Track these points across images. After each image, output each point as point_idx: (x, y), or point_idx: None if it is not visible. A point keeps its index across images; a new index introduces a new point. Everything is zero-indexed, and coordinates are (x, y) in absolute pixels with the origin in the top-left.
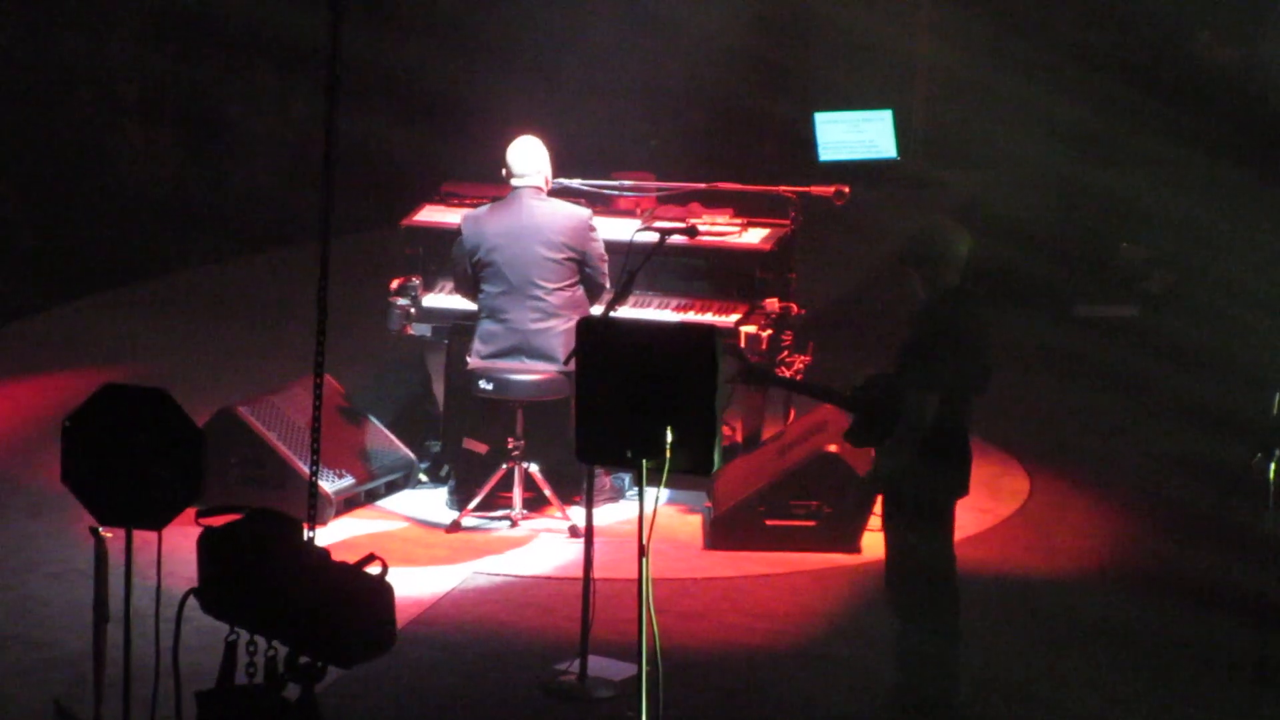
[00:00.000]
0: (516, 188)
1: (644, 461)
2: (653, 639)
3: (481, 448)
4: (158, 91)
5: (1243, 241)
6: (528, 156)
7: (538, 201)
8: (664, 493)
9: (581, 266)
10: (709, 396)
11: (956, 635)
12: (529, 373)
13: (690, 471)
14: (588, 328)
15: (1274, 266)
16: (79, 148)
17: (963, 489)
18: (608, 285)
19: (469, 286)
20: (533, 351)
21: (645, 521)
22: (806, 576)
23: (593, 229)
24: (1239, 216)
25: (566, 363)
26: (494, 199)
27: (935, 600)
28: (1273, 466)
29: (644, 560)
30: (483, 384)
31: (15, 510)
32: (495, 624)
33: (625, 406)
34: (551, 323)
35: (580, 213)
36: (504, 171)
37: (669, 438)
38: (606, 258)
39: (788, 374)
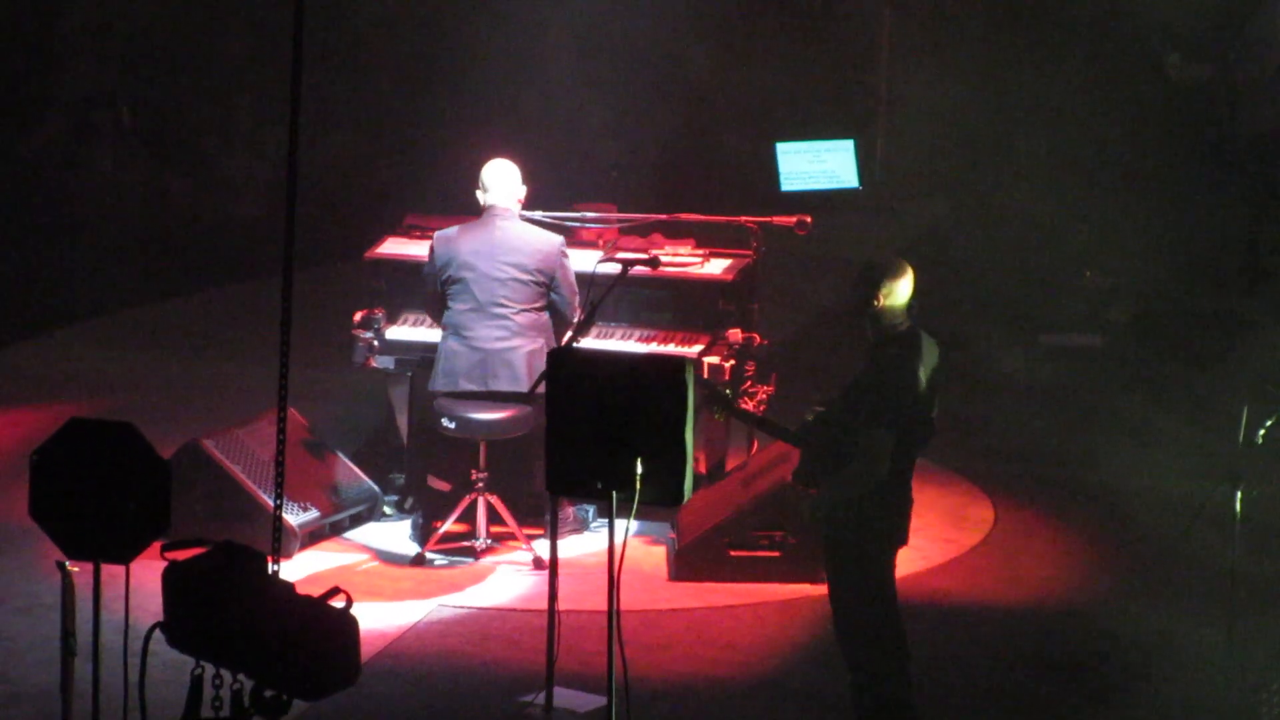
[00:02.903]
0: (489, 206)
1: (614, 493)
2: (620, 670)
3: (445, 486)
4: (130, 123)
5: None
6: (502, 178)
7: (510, 223)
8: (632, 524)
9: (549, 291)
10: (680, 428)
11: (906, 675)
12: (491, 411)
13: (660, 503)
14: (558, 359)
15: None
16: (46, 178)
17: (901, 539)
18: (576, 315)
19: (438, 307)
20: (494, 369)
21: (615, 553)
22: (771, 607)
23: (565, 255)
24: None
25: (534, 389)
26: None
27: (878, 643)
28: (1238, 497)
29: (613, 592)
30: (445, 422)
31: None
32: (460, 656)
33: (595, 438)
34: (515, 342)
35: (553, 238)
36: (478, 192)
37: (639, 469)
38: (577, 290)
39: (750, 405)
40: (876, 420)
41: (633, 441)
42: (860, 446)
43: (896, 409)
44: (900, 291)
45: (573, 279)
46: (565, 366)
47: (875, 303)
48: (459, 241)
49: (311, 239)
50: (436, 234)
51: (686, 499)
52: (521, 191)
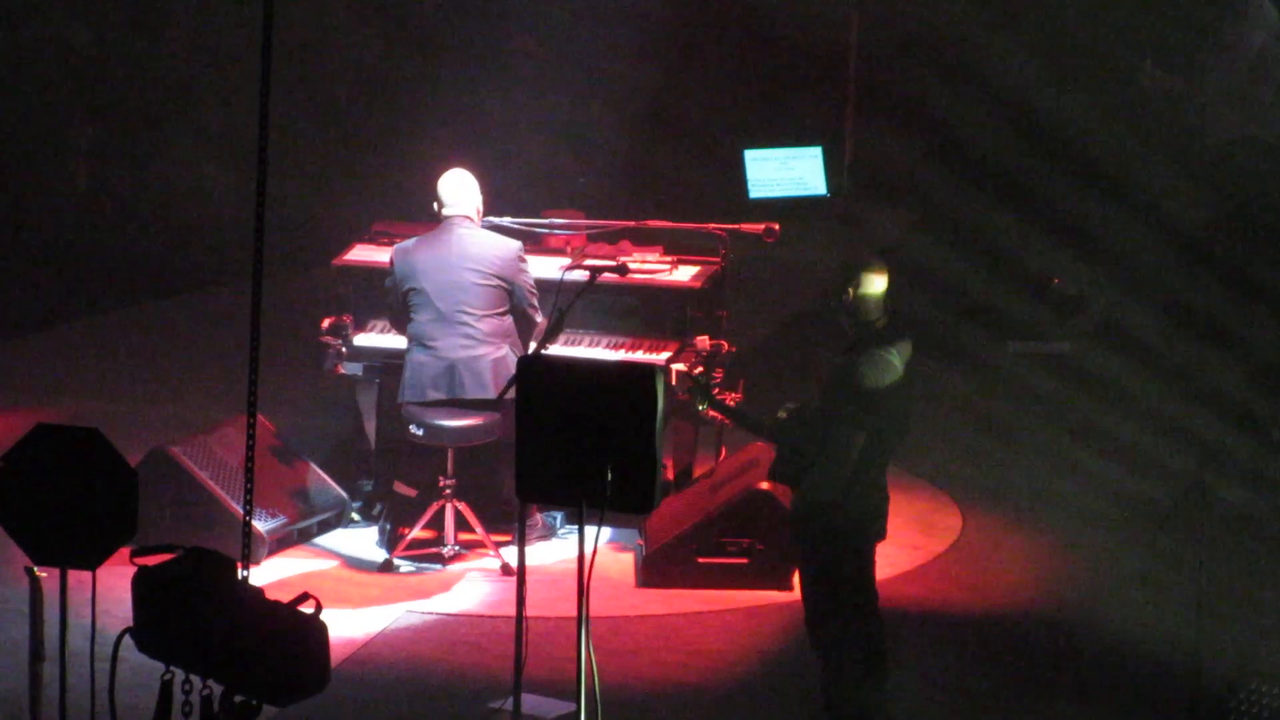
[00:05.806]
0: (447, 217)
1: (584, 501)
2: (588, 676)
3: (410, 492)
4: (97, 131)
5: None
6: (458, 188)
7: (467, 231)
8: (603, 532)
9: (510, 296)
10: (649, 435)
11: (882, 674)
12: (459, 418)
13: (630, 511)
14: (528, 366)
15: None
16: (8, 185)
17: (879, 533)
18: (538, 318)
19: (401, 318)
20: (461, 378)
21: (585, 560)
22: (739, 614)
23: (523, 259)
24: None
25: (502, 395)
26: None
27: (855, 639)
28: (1207, 499)
29: (583, 599)
30: (414, 429)
31: None
32: (428, 662)
33: (565, 445)
34: (481, 350)
35: (511, 244)
36: (435, 204)
37: (609, 476)
38: (536, 291)
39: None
40: (849, 419)
41: (603, 449)
42: (829, 444)
43: (870, 409)
44: (874, 286)
45: (531, 283)
46: (535, 373)
47: (849, 296)
48: (416, 253)
49: (279, 245)
50: (395, 246)
51: (656, 506)
52: (479, 200)
